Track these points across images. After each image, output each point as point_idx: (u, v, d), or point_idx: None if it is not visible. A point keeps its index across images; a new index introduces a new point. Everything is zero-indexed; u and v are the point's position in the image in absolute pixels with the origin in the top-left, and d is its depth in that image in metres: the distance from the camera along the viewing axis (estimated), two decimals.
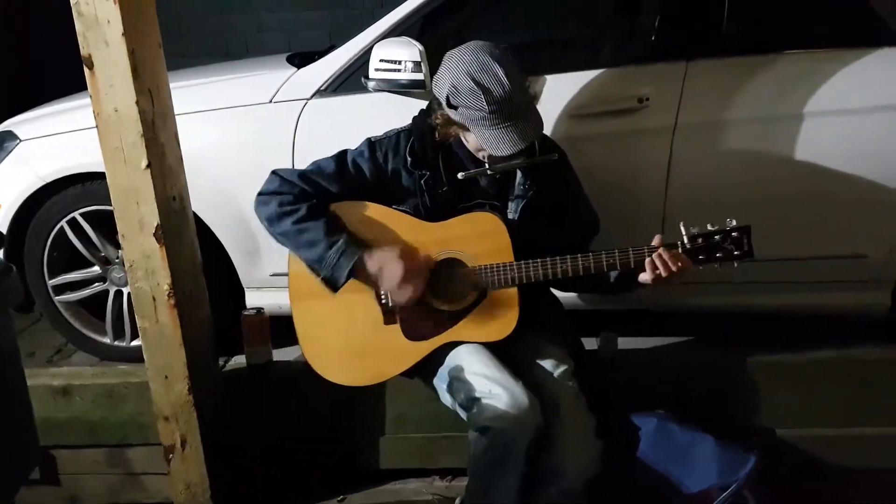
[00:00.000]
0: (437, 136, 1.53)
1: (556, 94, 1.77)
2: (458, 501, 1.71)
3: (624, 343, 1.87)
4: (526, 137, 1.42)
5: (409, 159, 1.53)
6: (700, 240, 1.45)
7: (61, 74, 2.41)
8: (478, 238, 1.52)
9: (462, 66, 1.42)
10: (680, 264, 1.45)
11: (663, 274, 1.45)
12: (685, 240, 1.46)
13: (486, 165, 1.50)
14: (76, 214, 1.95)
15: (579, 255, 1.49)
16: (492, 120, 1.40)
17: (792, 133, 1.77)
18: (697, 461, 1.60)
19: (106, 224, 1.94)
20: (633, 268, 1.48)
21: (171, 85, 1.64)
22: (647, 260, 1.46)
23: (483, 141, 1.44)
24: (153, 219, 1.56)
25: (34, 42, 3.70)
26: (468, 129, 1.46)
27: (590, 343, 1.83)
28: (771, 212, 1.77)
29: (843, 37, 1.84)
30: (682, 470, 1.61)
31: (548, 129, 1.76)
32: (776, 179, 1.80)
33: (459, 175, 1.52)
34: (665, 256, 1.44)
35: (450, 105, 1.45)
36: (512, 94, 1.40)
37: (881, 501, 1.79)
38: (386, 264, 1.47)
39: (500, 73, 1.39)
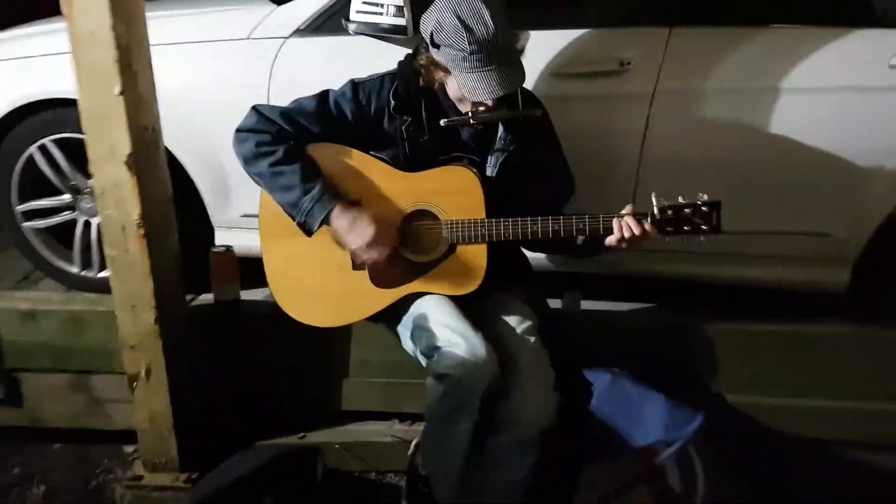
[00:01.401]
0: (421, 80, 1.52)
1: (540, 50, 1.76)
2: (414, 443, 1.77)
3: (587, 305, 1.91)
4: (504, 85, 1.42)
5: (392, 103, 1.52)
6: (670, 212, 1.46)
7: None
8: (452, 192, 1.53)
9: (450, 4, 1.42)
10: (646, 233, 1.47)
11: (627, 241, 1.47)
12: (655, 210, 1.47)
13: (469, 115, 1.50)
14: (46, 141, 1.92)
15: (550, 217, 1.50)
16: (472, 62, 1.40)
17: (767, 107, 1.79)
18: (647, 417, 1.67)
19: (77, 152, 1.92)
20: (602, 234, 1.50)
21: (147, 14, 1.60)
22: (615, 226, 1.47)
23: (462, 84, 1.44)
24: (125, 147, 1.54)
25: None
26: (449, 73, 1.46)
27: (555, 304, 1.87)
28: (739, 184, 1.80)
29: (827, 14, 1.84)
30: (631, 424, 1.67)
31: (529, 87, 1.75)
32: (747, 152, 1.82)
33: (441, 122, 1.51)
34: (632, 224, 1.46)
35: (433, 44, 1.44)
36: (495, 38, 1.39)
37: (818, 473, 1.88)
38: (356, 223, 1.48)
39: (486, 15, 1.39)
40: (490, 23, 1.39)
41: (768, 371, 1.84)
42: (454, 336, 1.49)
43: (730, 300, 2.00)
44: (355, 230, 1.49)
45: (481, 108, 1.49)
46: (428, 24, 1.45)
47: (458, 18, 1.40)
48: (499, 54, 1.41)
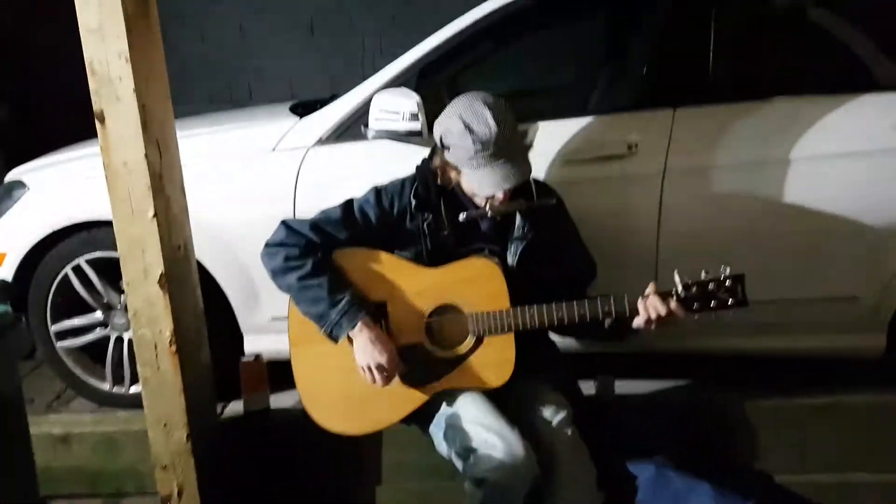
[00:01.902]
0: (438, 179, 1.58)
1: (549, 140, 1.83)
2: None
3: (621, 386, 1.87)
4: (510, 178, 1.49)
5: (413, 202, 1.58)
6: (694, 288, 1.46)
7: (64, 122, 2.47)
8: (475, 284, 1.55)
9: (456, 110, 1.52)
10: (673, 313, 1.46)
11: (655, 323, 1.47)
12: (679, 288, 1.47)
13: (487, 209, 1.55)
14: (81, 261, 1.99)
15: (575, 302, 1.51)
16: (478, 160, 1.48)
17: (780, 177, 1.82)
18: None
19: (109, 270, 1.98)
20: (629, 315, 1.50)
21: (177, 134, 1.70)
22: (641, 307, 1.47)
23: (470, 180, 1.51)
24: (158, 267, 1.59)
25: (39, 90, 3.80)
26: (461, 172, 1.53)
27: (587, 386, 1.84)
28: (761, 254, 1.81)
29: (828, 83, 1.90)
30: None
31: (541, 174, 1.82)
32: (765, 222, 1.83)
33: (461, 217, 1.56)
34: (658, 305, 1.46)
35: (443, 146, 1.53)
36: (497, 137, 1.47)
37: None
38: (373, 344, 1.51)
39: (489, 116, 1.48)
40: (492, 123, 1.47)
41: (816, 446, 1.77)
42: (490, 435, 1.46)
43: (769, 372, 1.96)
44: (368, 350, 1.52)
45: (497, 202, 1.54)
46: (438, 129, 1.55)
47: (463, 122, 1.49)
48: (503, 151, 1.48)
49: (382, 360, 1.51)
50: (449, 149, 1.52)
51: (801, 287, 1.87)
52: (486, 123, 1.47)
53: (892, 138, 1.79)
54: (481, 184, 1.50)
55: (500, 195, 1.52)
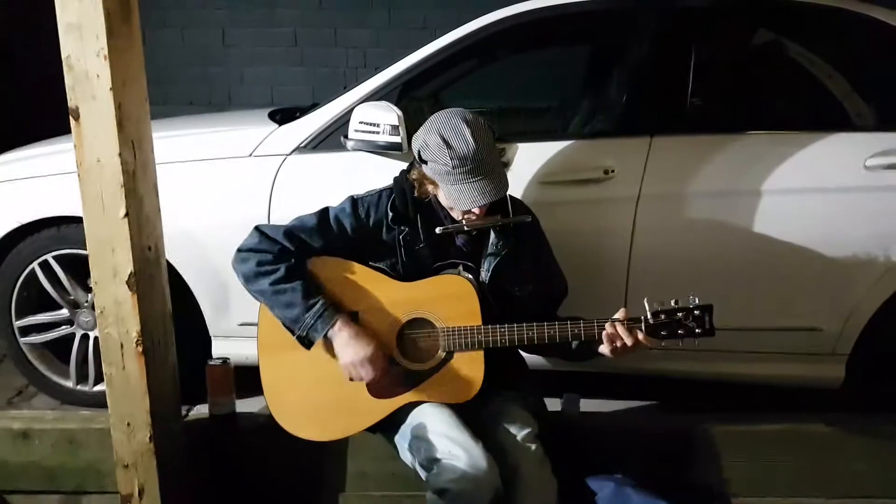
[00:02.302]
0: (416, 192, 1.59)
1: (528, 161, 1.85)
2: None
3: (586, 405, 1.90)
4: (486, 195, 1.50)
5: (389, 214, 1.59)
6: (663, 316, 1.49)
7: (38, 118, 2.44)
8: (448, 300, 1.56)
9: (435, 125, 1.53)
10: (638, 343, 1.49)
11: (620, 350, 1.50)
12: (648, 315, 1.49)
13: (463, 223, 1.56)
14: (48, 257, 1.96)
15: (545, 323, 1.53)
16: (455, 175, 1.49)
17: (750, 208, 1.87)
18: None
19: (77, 267, 1.95)
20: (597, 339, 1.52)
21: (154, 134, 1.68)
22: (605, 334, 1.50)
23: (448, 195, 1.52)
24: (127, 267, 1.57)
25: (13, 86, 3.73)
26: (438, 186, 1.54)
27: (554, 403, 1.86)
28: (728, 282, 1.85)
29: (803, 120, 1.95)
30: None
31: (519, 194, 1.83)
32: (734, 252, 1.88)
33: (438, 230, 1.57)
34: (623, 335, 1.49)
35: (421, 160, 1.54)
36: (475, 153, 1.49)
37: None
38: (355, 340, 1.52)
39: (467, 133, 1.49)
40: (470, 140, 1.49)
41: (774, 470, 1.81)
42: (454, 447, 1.47)
43: (731, 395, 2.00)
44: (352, 346, 1.52)
45: (473, 217, 1.55)
46: (416, 142, 1.56)
47: (441, 137, 1.50)
48: (480, 167, 1.49)
49: (367, 352, 1.51)
50: (427, 163, 1.53)
51: (767, 316, 1.92)
52: (464, 140, 1.49)
53: (862, 177, 1.85)
54: (458, 199, 1.51)
55: (476, 210, 1.53)
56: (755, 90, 2.04)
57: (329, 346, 1.55)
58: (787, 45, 2.02)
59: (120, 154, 1.52)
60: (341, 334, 1.51)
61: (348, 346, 1.52)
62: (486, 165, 1.50)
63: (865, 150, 1.85)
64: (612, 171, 1.87)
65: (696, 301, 1.49)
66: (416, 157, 1.55)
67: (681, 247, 1.88)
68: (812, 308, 1.91)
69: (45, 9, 1.55)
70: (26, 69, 3.49)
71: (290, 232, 1.57)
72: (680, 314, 1.49)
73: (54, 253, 1.96)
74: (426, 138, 1.53)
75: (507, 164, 1.61)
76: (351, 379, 1.56)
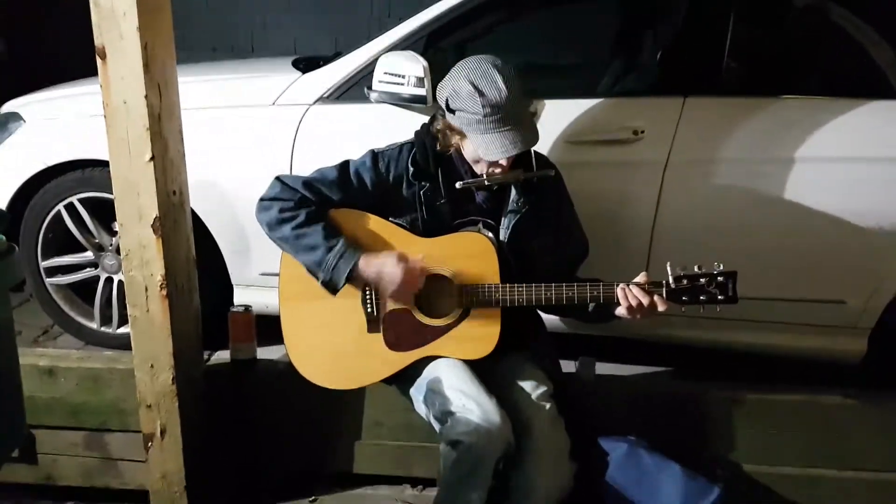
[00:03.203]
0: (438, 146, 1.57)
1: (555, 118, 1.81)
2: None
3: (602, 369, 1.90)
4: (517, 144, 1.47)
5: (410, 169, 1.57)
6: (685, 281, 1.47)
7: (67, 59, 2.43)
8: (468, 257, 1.55)
9: (464, 71, 1.49)
10: (656, 306, 1.48)
11: (638, 313, 1.49)
12: (670, 280, 1.48)
13: (484, 177, 1.54)
14: (74, 199, 1.98)
15: (564, 284, 1.52)
16: (486, 124, 1.46)
17: (781, 177, 1.82)
18: (663, 488, 1.64)
19: (102, 211, 1.97)
20: (616, 303, 1.51)
21: (178, 79, 1.67)
22: (624, 296, 1.49)
23: (476, 144, 1.49)
24: (152, 210, 1.58)
25: (40, 26, 3.72)
26: (465, 136, 1.51)
27: (568, 366, 1.86)
28: (754, 251, 1.82)
29: (842, 86, 1.88)
30: (647, 495, 1.64)
31: (544, 153, 1.79)
32: (762, 220, 1.84)
33: (457, 184, 1.55)
34: (642, 298, 1.48)
35: (449, 109, 1.51)
36: (507, 101, 1.45)
37: None
38: (384, 268, 1.51)
39: (499, 80, 1.45)
40: (502, 87, 1.45)
41: (786, 441, 1.81)
42: (468, 401, 1.49)
43: (747, 367, 1.99)
44: (386, 273, 1.51)
45: (496, 170, 1.53)
46: (444, 91, 1.52)
47: (472, 84, 1.46)
48: (511, 116, 1.46)
49: (398, 275, 1.49)
50: (455, 112, 1.49)
51: (792, 287, 1.89)
52: (496, 87, 1.45)
53: None
54: (488, 149, 1.47)
55: (504, 162, 1.50)
56: (794, 53, 1.96)
57: (347, 294, 1.56)
58: (831, 8, 1.93)
59: (146, 96, 1.52)
60: (370, 268, 1.51)
61: (381, 275, 1.51)
62: (517, 114, 1.47)
63: None
64: (642, 132, 1.82)
65: (721, 268, 1.47)
66: (444, 105, 1.51)
67: (707, 213, 1.85)
68: (838, 280, 1.87)
69: None
70: (53, 9, 3.47)
71: (310, 183, 1.57)
72: (703, 280, 1.47)
73: (80, 196, 1.98)
74: (455, 85, 1.49)
75: (534, 114, 1.56)
76: (380, 318, 1.55)
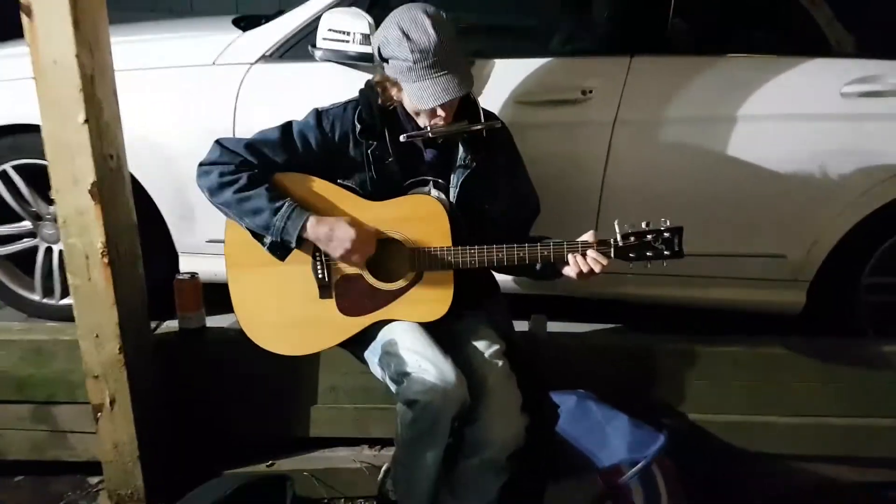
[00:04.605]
0: (380, 100, 1.53)
1: (504, 79, 1.80)
2: (384, 468, 1.78)
3: (553, 327, 1.94)
4: (450, 90, 1.43)
5: (357, 127, 1.53)
6: (632, 238, 1.49)
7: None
8: (418, 220, 1.54)
9: (394, 19, 1.46)
10: (603, 267, 1.50)
11: (585, 273, 1.51)
12: (618, 237, 1.50)
13: (428, 129, 1.52)
14: (7, 167, 1.89)
15: (515, 245, 1.53)
16: (417, 70, 1.43)
17: (725, 134, 1.86)
18: (611, 437, 1.70)
19: (38, 178, 1.89)
20: (565, 261, 1.53)
21: (112, 40, 1.59)
22: (571, 257, 1.50)
23: (410, 93, 1.46)
24: (89, 175, 1.52)
25: None
26: (401, 88, 1.48)
27: (521, 325, 1.90)
28: (699, 208, 1.87)
29: (782, 44, 1.92)
30: (597, 445, 1.69)
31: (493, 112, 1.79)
32: (706, 178, 1.88)
33: (402, 137, 1.52)
34: (589, 258, 1.50)
35: (383, 59, 1.47)
36: (437, 46, 1.42)
37: (774, 485, 1.94)
38: (336, 229, 1.48)
39: (428, 24, 1.42)
40: (431, 32, 1.42)
41: (731, 390, 1.88)
42: (423, 361, 1.50)
43: (693, 320, 2.06)
44: (337, 234, 1.49)
45: (439, 122, 1.50)
46: (375, 41, 1.49)
47: (401, 30, 1.43)
48: (443, 62, 1.43)
49: (353, 233, 1.48)
50: (388, 61, 1.46)
51: (735, 243, 1.95)
52: (424, 31, 1.41)
53: (838, 104, 1.84)
54: (421, 97, 1.43)
55: (441, 111, 1.47)
56: (737, 12, 1.98)
57: (296, 260, 1.54)
58: None
59: (77, 56, 1.45)
60: (319, 228, 1.48)
61: (333, 237, 1.49)
62: (449, 59, 1.43)
63: (843, 77, 1.84)
64: (591, 92, 1.83)
65: (667, 224, 1.50)
66: (377, 56, 1.48)
67: (654, 172, 1.88)
68: (779, 236, 1.94)
69: None
70: None
71: (252, 145, 1.52)
72: (650, 237, 1.49)
73: (13, 163, 1.89)
74: (385, 33, 1.45)
75: (471, 63, 1.51)
76: (331, 283, 1.53)
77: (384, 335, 1.58)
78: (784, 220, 1.93)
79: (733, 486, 1.91)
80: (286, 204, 1.49)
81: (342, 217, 1.50)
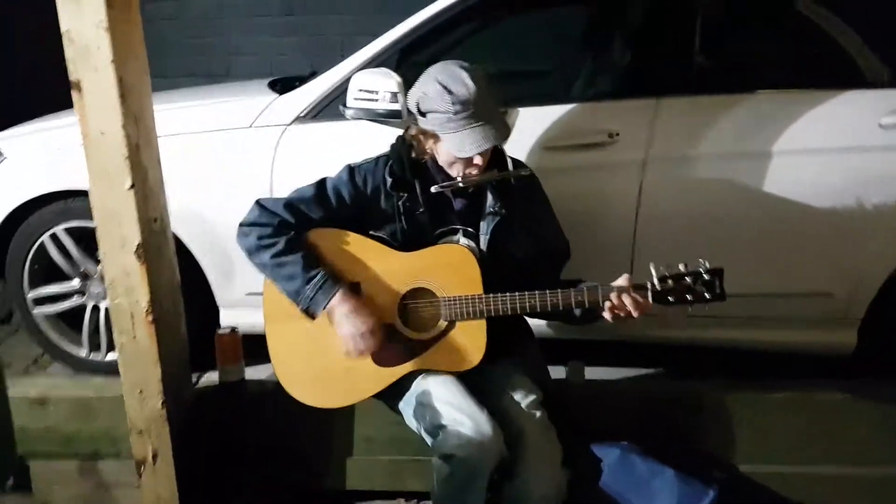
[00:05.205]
0: (413, 153, 1.58)
1: (529, 126, 1.82)
2: None
3: (591, 373, 1.90)
4: (489, 139, 1.48)
5: (388, 181, 1.57)
6: (670, 281, 1.44)
7: (42, 90, 2.45)
8: (449, 269, 1.55)
9: (432, 74, 1.52)
10: (642, 309, 1.47)
11: (623, 318, 1.48)
12: (655, 281, 1.46)
13: (458, 179, 1.55)
14: (57, 230, 1.99)
15: (548, 291, 1.52)
16: (457, 121, 1.47)
17: (761, 170, 1.82)
18: (657, 493, 1.63)
19: (86, 239, 1.98)
20: (601, 305, 1.50)
21: (154, 107, 1.68)
22: (608, 303, 1.47)
23: (450, 144, 1.50)
24: (134, 238, 1.59)
25: (14, 60, 3.73)
26: (438, 139, 1.52)
27: (558, 371, 1.86)
28: (738, 247, 1.82)
29: (815, 77, 1.89)
30: (642, 501, 1.63)
31: (521, 159, 1.80)
32: (743, 216, 1.84)
33: (433, 188, 1.56)
34: (627, 301, 1.47)
35: (420, 113, 1.52)
36: (476, 96, 1.47)
37: None
38: (355, 313, 1.52)
39: (466, 77, 1.48)
40: (470, 83, 1.47)
41: (781, 438, 1.80)
42: (459, 414, 1.48)
43: (738, 364, 1.98)
44: (350, 320, 1.53)
45: (471, 172, 1.53)
46: (414, 96, 1.54)
47: (440, 84, 1.48)
48: (481, 111, 1.47)
49: (365, 328, 1.52)
50: (426, 115, 1.51)
51: (778, 281, 1.89)
52: (463, 83, 1.47)
53: (876, 136, 1.79)
54: (461, 145, 1.48)
55: (478, 159, 1.51)
56: (764, 47, 1.97)
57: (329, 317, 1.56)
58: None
59: (123, 126, 1.53)
60: (341, 308, 1.52)
61: (347, 320, 1.52)
62: (487, 110, 1.48)
63: (881, 107, 1.79)
64: (617, 135, 1.83)
65: (707, 265, 1.45)
66: (415, 110, 1.53)
67: (689, 211, 1.85)
68: (823, 272, 1.87)
69: None
70: (24, 43, 3.49)
71: (290, 204, 1.57)
72: (689, 278, 1.44)
73: (63, 226, 1.99)
74: (424, 88, 1.51)
75: (506, 113, 1.56)
76: (348, 353, 1.56)
77: (418, 386, 1.57)
78: (828, 256, 1.86)
79: None
80: (319, 274, 1.53)
81: (363, 307, 1.53)
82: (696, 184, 1.85)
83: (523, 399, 1.56)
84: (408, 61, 1.89)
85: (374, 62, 1.85)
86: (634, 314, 1.47)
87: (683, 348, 2.02)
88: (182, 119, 2.01)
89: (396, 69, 1.77)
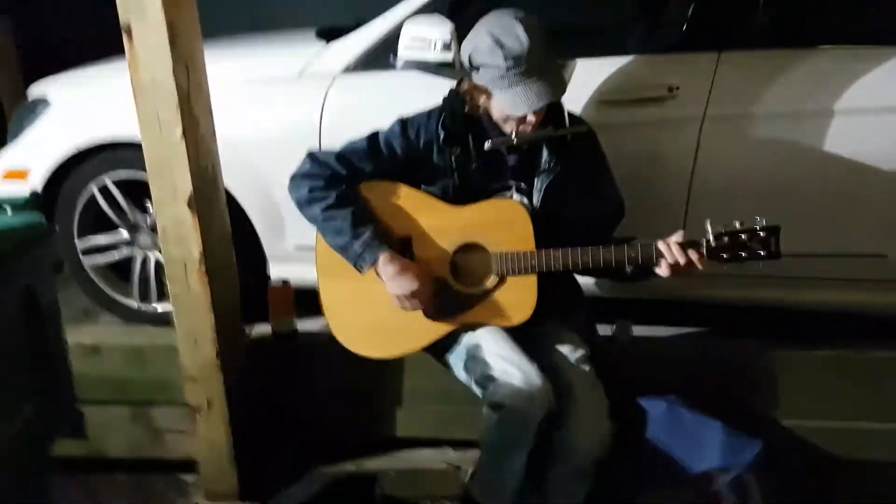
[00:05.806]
0: (466, 108, 1.54)
1: (586, 79, 1.77)
2: (469, 472, 1.78)
3: (638, 332, 1.90)
4: (543, 96, 1.43)
5: (440, 134, 1.54)
6: (726, 238, 1.43)
7: (93, 37, 2.41)
8: (501, 225, 1.54)
9: (485, 26, 1.46)
10: (695, 264, 1.45)
11: (678, 272, 1.47)
12: (710, 237, 1.44)
13: (513, 135, 1.51)
14: (106, 180, 1.99)
15: (601, 247, 1.50)
16: (509, 77, 1.42)
17: (820, 129, 1.77)
18: (704, 444, 1.65)
19: (135, 189, 1.99)
20: (655, 262, 1.49)
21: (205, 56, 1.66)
22: (666, 254, 1.46)
23: (502, 101, 1.45)
24: (186, 187, 1.59)
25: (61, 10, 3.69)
26: (491, 95, 1.48)
27: (605, 331, 1.86)
28: (793, 207, 1.78)
29: (879, 34, 1.81)
30: (688, 452, 1.65)
31: (577, 114, 1.76)
32: (800, 175, 1.80)
33: (486, 144, 1.52)
34: (681, 257, 1.45)
35: (473, 67, 1.47)
36: (530, 52, 1.41)
37: (880, 494, 1.84)
38: (402, 274, 1.51)
39: (520, 30, 1.41)
40: (524, 37, 1.41)
41: (824, 396, 1.81)
42: (509, 366, 1.50)
43: (785, 324, 1.97)
44: (399, 280, 1.52)
45: (525, 128, 1.50)
46: (466, 49, 1.49)
47: (493, 37, 1.43)
48: (535, 67, 1.42)
49: (413, 287, 1.51)
50: (478, 69, 1.46)
51: (832, 242, 1.86)
52: (516, 38, 1.41)
53: None
54: (514, 103, 1.43)
55: (531, 117, 1.47)
56: (828, 2, 1.89)
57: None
58: None
59: (174, 73, 1.51)
60: (387, 268, 1.51)
61: (394, 280, 1.52)
62: (541, 65, 1.43)
63: None
64: (677, 89, 1.78)
65: (763, 223, 1.43)
66: (467, 64, 1.48)
67: (745, 170, 1.81)
68: (878, 234, 1.84)
69: None
70: None
71: (342, 156, 1.56)
72: (744, 236, 1.43)
73: (112, 176, 1.98)
74: (476, 41, 1.45)
75: (563, 67, 1.50)
76: (398, 306, 1.56)
77: (469, 340, 1.58)
78: (883, 217, 1.82)
79: (831, 494, 1.83)
80: (368, 232, 1.52)
81: (412, 265, 1.52)
82: (753, 141, 1.80)
83: (571, 354, 1.57)
84: (462, 10, 1.82)
85: (427, 9, 1.78)
86: (691, 268, 1.45)
87: (730, 308, 2.01)
88: (231, 68, 1.97)
89: (450, 17, 1.72)
